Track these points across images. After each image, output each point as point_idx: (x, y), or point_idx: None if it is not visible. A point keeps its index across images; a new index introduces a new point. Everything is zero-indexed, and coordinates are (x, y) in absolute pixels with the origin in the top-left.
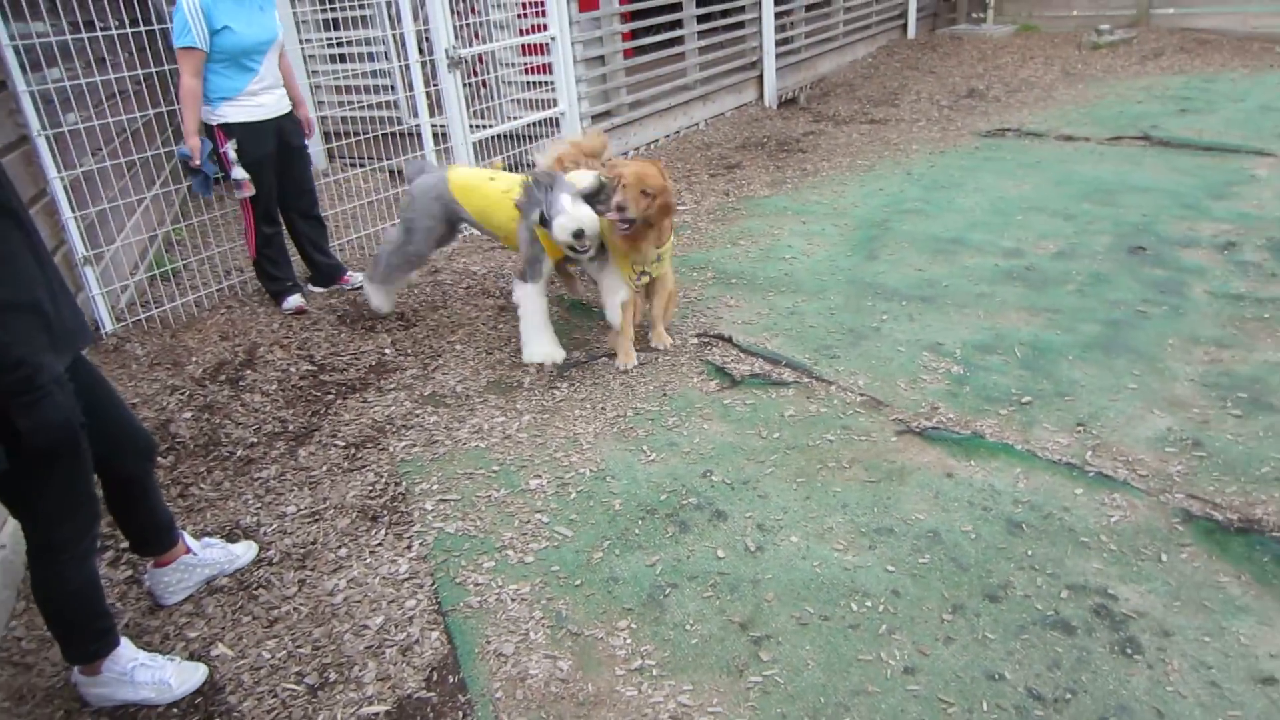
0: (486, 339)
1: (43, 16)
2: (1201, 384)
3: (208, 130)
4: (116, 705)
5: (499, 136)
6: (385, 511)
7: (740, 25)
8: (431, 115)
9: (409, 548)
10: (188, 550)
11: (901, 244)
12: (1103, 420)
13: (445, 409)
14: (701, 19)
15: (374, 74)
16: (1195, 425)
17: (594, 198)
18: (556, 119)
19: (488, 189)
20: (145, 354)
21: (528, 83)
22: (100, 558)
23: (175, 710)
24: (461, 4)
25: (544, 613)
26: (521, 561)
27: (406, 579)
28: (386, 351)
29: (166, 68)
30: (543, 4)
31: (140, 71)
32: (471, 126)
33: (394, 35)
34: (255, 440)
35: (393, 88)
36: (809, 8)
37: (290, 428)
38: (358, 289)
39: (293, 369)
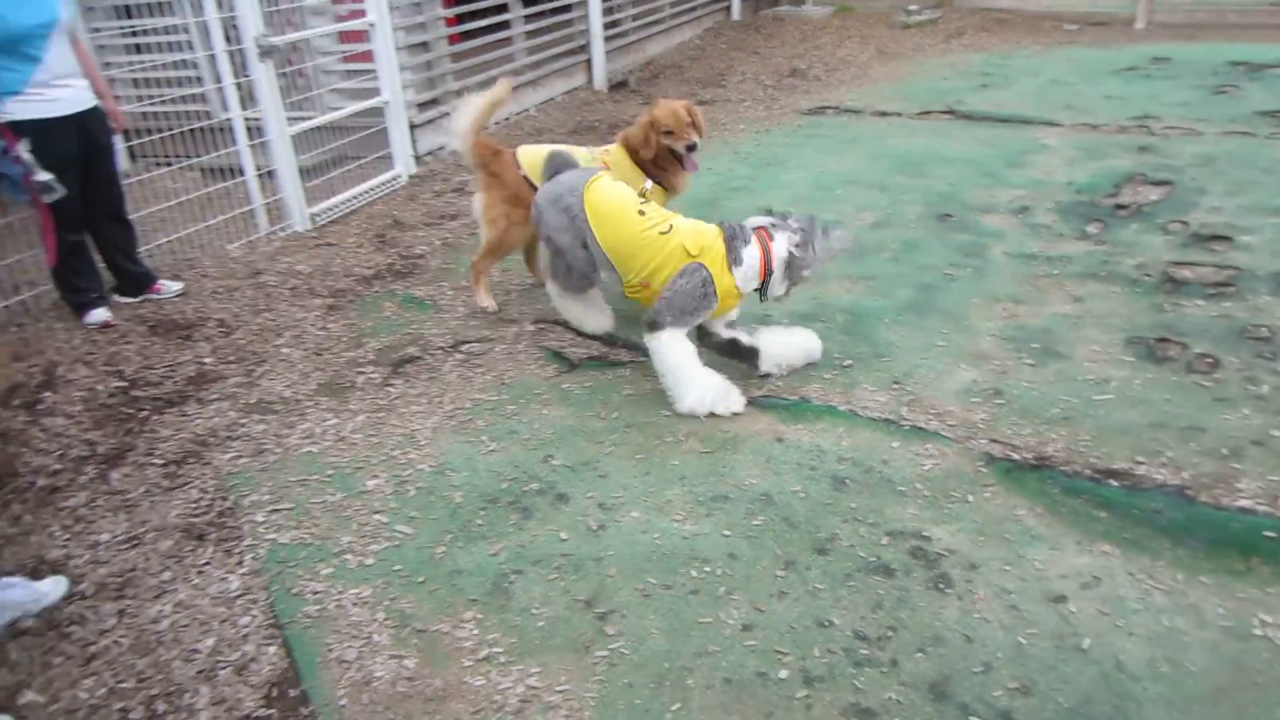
0: (315, 340)
1: None
2: (1001, 338)
3: None
4: None
5: (321, 129)
6: (212, 529)
7: (567, 9)
8: (245, 108)
9: (240, 563)
10: None
11: None
12: (916, 377)
13: (274, 416)
14: (528, 3)
15: (178, 65)
16: (996, 376)
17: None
18: (380, 109)
19: (633, 224)
20: None
21: (348, 71)
22: None
23: None
24: None
25: (387, 613)
26: (361, 564)
27: (239, 596)
28: (206, 361)
29: None
30: None
31: None
32: (289, 119)
33: (196, 23)
34: (59, 467)
35: (200, 79)
36: None
37: (100, 450)
38: (173, 297)
39: (100, 387)
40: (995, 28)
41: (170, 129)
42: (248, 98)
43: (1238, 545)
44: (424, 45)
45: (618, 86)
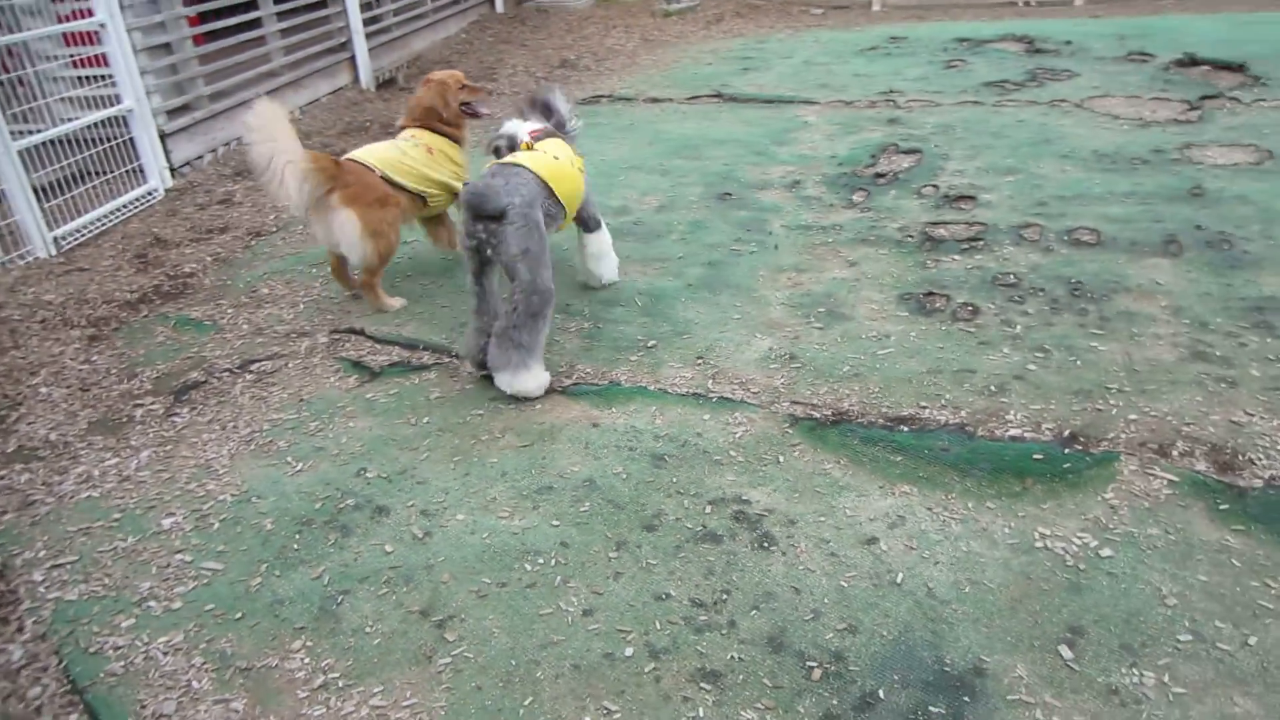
0: (79, 375)
1: None
2: (789, 306)
3: None
4: None
5: (55, 142)
6: None
7: (324, 4)
8: None
9: (20, 630)
10: None
11: None
12: (717, 351)
13: (39, 463)
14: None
15: None
16: (789, 342)
17: None
18: (124, 117)
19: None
20: None
21: (80, 77)
22: None
23: None
24: None
25: (205, 656)
26: (168, 609)
27: (23, 666)
28: None
29: None
30: None
31: None
32: (14, 132)
33: None
34: None
35: None
36: None
37: None
38: None
39: None
40: (750, 13)
41: None
42: None
43: (1013, 470)
44: (166, 47)
45: (386, 84)
